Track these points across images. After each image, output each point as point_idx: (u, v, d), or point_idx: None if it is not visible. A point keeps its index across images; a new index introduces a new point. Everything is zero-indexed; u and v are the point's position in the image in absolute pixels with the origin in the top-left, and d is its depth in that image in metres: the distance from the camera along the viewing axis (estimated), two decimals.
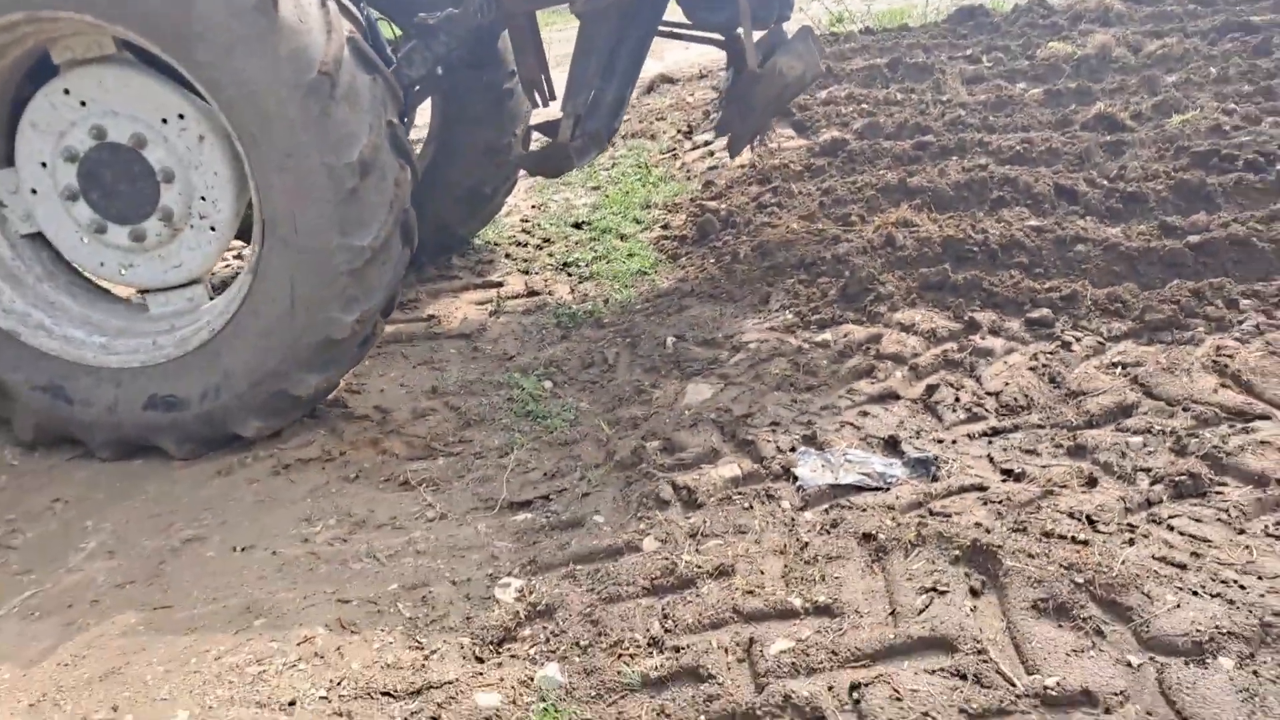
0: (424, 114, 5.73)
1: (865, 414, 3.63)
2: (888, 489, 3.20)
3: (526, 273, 5.50)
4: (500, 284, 5.36)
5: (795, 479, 3.29)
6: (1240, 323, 3.87)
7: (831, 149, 6.25)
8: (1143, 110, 6.39)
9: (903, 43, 8.97)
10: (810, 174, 5.99)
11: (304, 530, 3.38)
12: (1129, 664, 2.39)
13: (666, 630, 2.75)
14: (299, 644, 2.83)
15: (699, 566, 2.95)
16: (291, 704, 2.61)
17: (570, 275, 5.43)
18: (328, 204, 3.47)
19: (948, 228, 4.79)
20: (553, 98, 4.99)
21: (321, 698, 2.64)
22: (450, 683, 2.65)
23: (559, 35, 6.77)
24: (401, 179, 3.69)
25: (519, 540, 3.27)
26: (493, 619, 2.90)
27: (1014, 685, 2.37)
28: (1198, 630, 2.41)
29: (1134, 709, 2.27)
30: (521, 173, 5.82)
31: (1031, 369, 3.76)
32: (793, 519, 3.12)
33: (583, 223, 6.09)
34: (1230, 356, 3.58)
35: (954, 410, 3.59)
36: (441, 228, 5.46)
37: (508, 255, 5.77)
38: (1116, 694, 2.31)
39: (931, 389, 3.72)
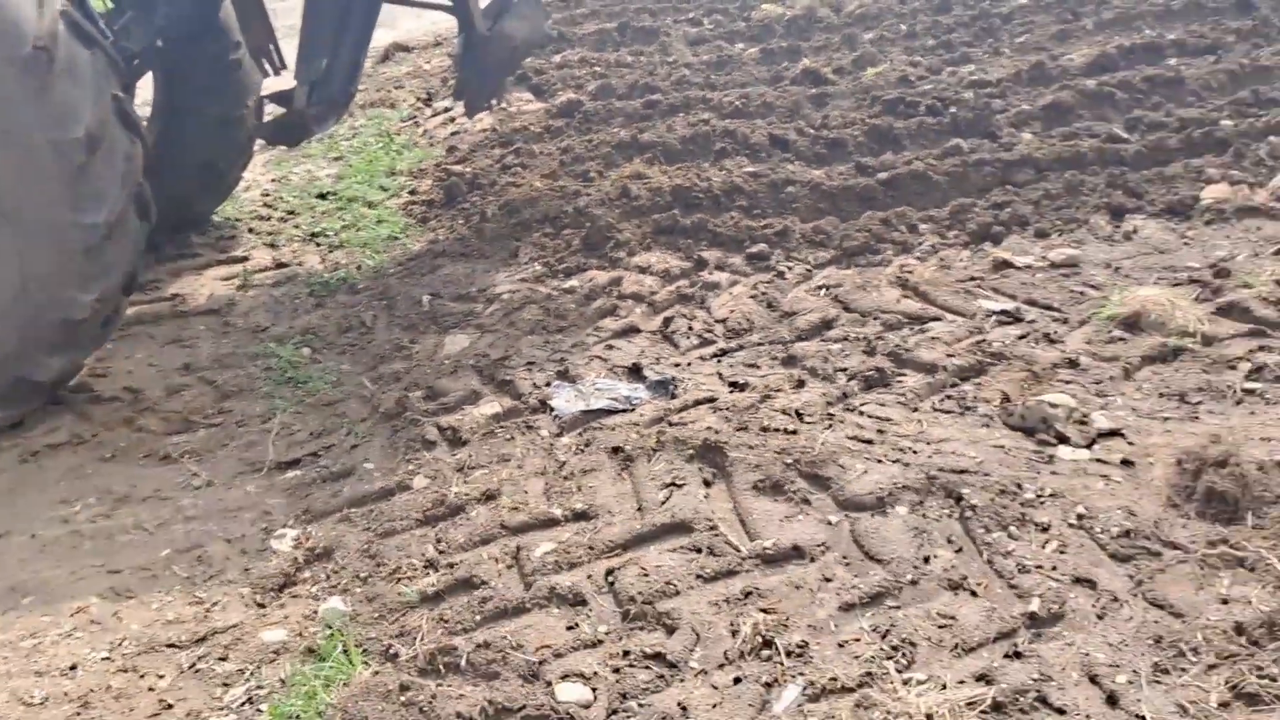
0: (146, 89, 5.59)
1: (611, 348, 4.04)
2: (633, 409, 3.61)
3: (273, 246, 5.53)
4: (245, 258, 5.37)
5: (551, 409, 3.65)
6: (920, 244, 4.58)
7: (568, 110, 6.62)
8: (844, 65, 7.18)
9: (630, 7, 9.47)
10: (550, 135, 6.34)
11: (62, 512, 3.39)
12: (829, 522, 2.92)
13: (441, 552, 3.03)
14: (72, 615, 2.90)
15: (467, 495, 3.24)
16: (72, 668, 2.70)
17: (319, 245, 5.51)
18: (56, 181, 3.45)
19: (676, 178, 5.29)
20: (284, 66, 5.04)
21: (103, 659, 2.74)
22: (234, 626, 2.82)
23: (283, 4, 6.70)
24: (132, 153, 3.70)
25: (291, 495, 3.44)
26: (271, 567, 3.07)
27: (739, 551, 2.84)
28: (880, 488, 2.97)
29: (833, 555, 2.80)
30: (259, 145, 5.81)
31: (752, 297, 4.29)
32: (550, 444, 3.48)
33: (328, 193, 6.15)
34: (910, 272, 4.26)
35: (688, 338, 4.06)
36: (176, 205, 5.36)
37: (251, 230, 5.76)
38: (819, 545, 2.82)
39: (668, 321, 4.17)
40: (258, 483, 3.53)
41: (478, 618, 2.75)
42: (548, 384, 3.80)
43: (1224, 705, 2.21)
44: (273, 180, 6.55)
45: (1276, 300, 3.66)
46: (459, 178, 5.90)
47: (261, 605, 2.94)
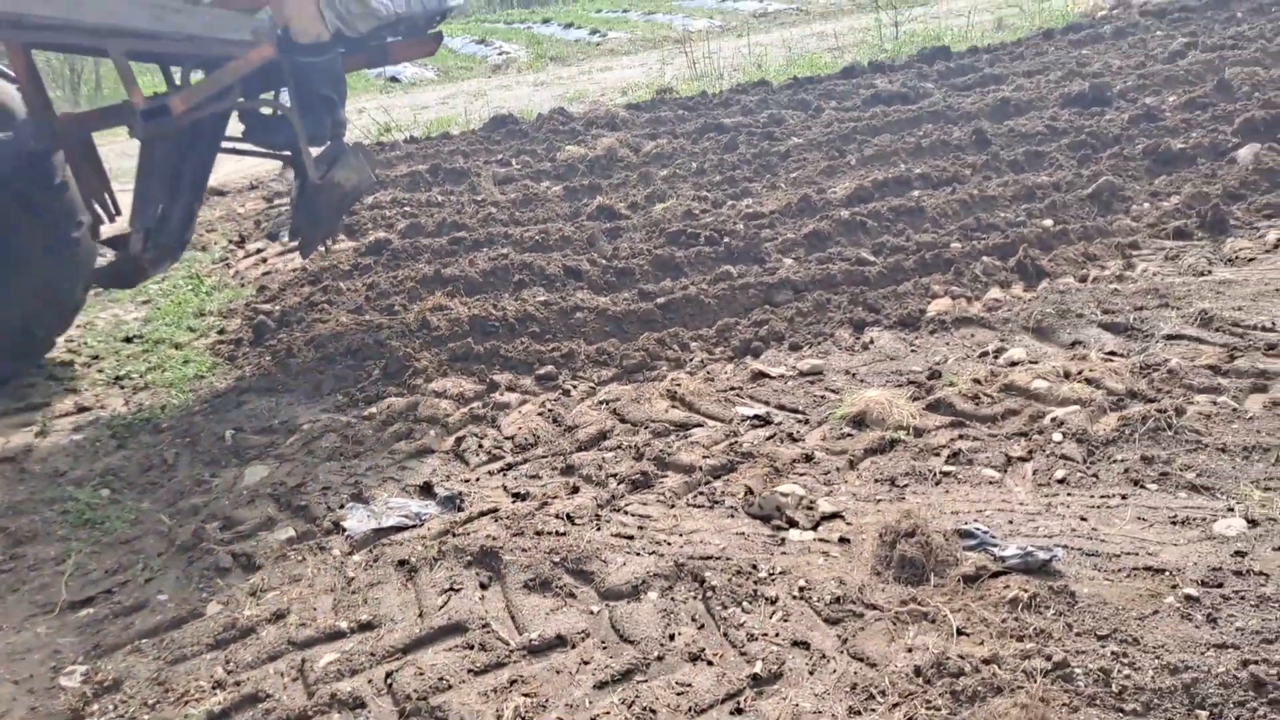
0: None
1: (404, 468, 4.34)
2: (422, 524, 3.90)
3: (74, 391, 5.60)
4: (45, 404, 5.42)
5: (344, 530, 3.90)
6: (690, 360, 5.12)
7: (377, 248, 7.01)
8: (637, 200, 7.87)
9: (444, 149, 10.05)
10: (358, 272, 6.69)
11: None
12: (591, 611, 3.27)
13: (229, 672, 3.21)
14: None
15: (258, 616, 3.44)
16: None
17: (123, 388, 5.61)
18: None
19: (474, 308, 5.71)
20: (119, 212, 5.27)
21: None
22: None
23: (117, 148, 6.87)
24: None
25: (82, 633, 3.54)
26: (59, 705, 3.17)
27: (508, 644, 3.15)
28: (636, 578, 3.35)
29: (593, 641, 3.14)
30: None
31: (540, 414, 4.69)
32: (342, 563, 3.72)
33: (134, 336, 6.27)
34: (679, 385, 4.77)
35: (478, 455, 4.41)
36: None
37: (52, 376, 5.80)
38: (580, 633, 3.17)
39: (460, 440, 4.52)
40: (49, 623, 3.61)
41: None
42: (341, 506, 4.05)
43: None
44: (77, 326, 6.61)
45: (974, 396, 4.32)
46: (267, 316, 6.14)
47: None
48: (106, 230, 5.52)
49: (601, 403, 4.76)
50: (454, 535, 3.77)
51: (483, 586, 3.45)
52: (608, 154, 9.41)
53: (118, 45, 4.60)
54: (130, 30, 4.56)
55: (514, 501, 3.99)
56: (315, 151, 5.53)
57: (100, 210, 5.34)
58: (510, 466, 4.32)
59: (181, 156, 5.33)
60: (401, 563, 3.63)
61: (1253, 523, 3.26)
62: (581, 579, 3.42)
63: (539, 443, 4.48)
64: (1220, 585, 3.00)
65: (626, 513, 3.80)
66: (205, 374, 5.67)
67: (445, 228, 7.42)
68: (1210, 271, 5.50)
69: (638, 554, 3.51)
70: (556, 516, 3.79)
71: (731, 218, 7.26)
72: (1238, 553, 3.13)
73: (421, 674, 3.05)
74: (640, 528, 3.69)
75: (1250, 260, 5.62)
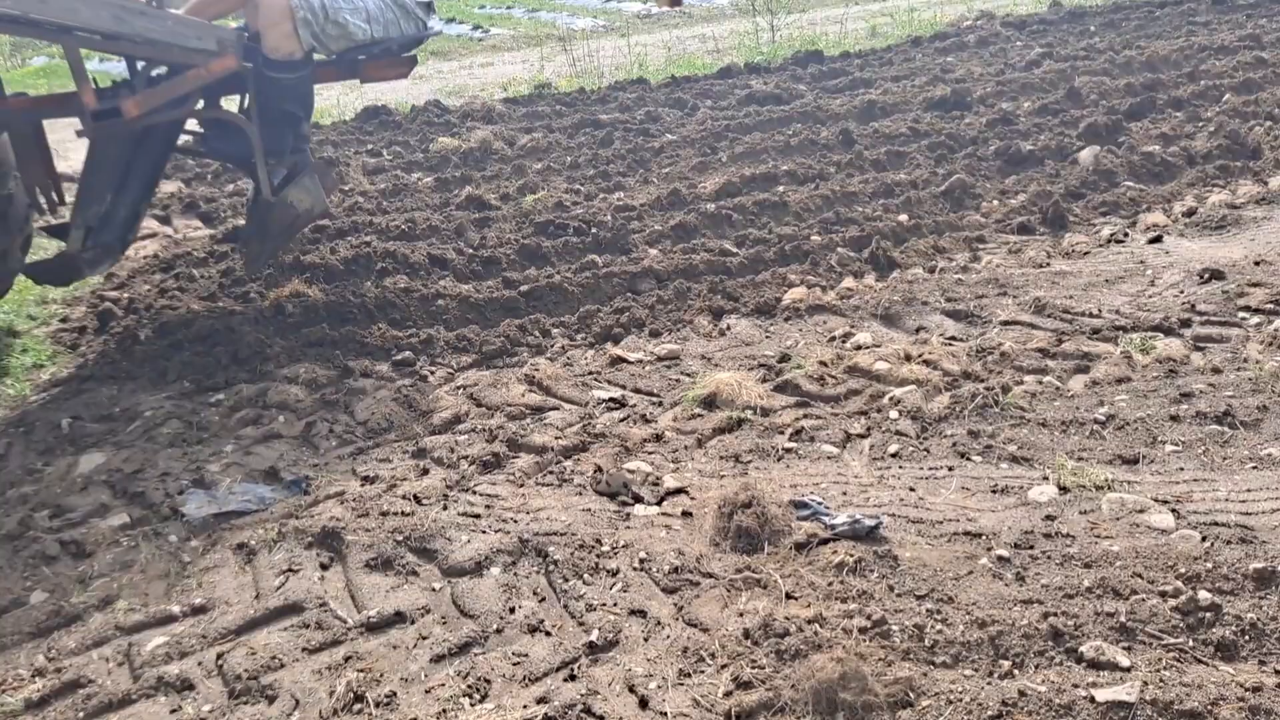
0: None
1: (250, 454, 4.26)
2: (266, 509, 3.84)
3: None
4: None
5: (182, 515, 3.81)
6: (551, 346, 5.17)
7: (234, 236, 6.83)
8: (509, 192, 7.87)
9: (314, 139, 9.84)
10: (214, 259, 6.52)
11: None
12: (433, 588, 3.28)
13: (50, 659, 3.11)
14: None
15: (85, 603, 3.34)
16: None
17: None
18: None
19: (332, 295, 5.63)
20: (61, 203, 5.05)
21: None
22: None
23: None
24: None
25: None
26: None
27: (346, 622, 3.13)
28: (479, 554, 3.38)
29: (433, 616, 3.15)
30: None
31: (395, 399, 4.67)
32: (178, 548, 3.63)
33: None
34: (538, 370, 4.81)
35: (328, 440, 4.36)
36: None
37: None
38: (420, 609, 3.18)
39: (310, 425, 4.45)
40: None
41: (81, 714, 2.86)
42: (181, 492, 3.96)
43: (727, 694, 2.73)
44: None
45: (819, 377, 4.49)
46: (114, 303, 5.93)
47: None
48: (44, 222, 5.33)
49: (459, 388, 4.77)
50: (296, 518, 3.72)
51: (323, 567, 3.42)
52: (481, 146, 9.38)
53: (78, 43, 4.41)
54: (91, 30, 4.38)
55: (362, 484, 3.97)
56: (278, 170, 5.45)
57: (42, 199, 5.14)
58: (361, 451, 4.29)
59: (132, 154, 5.17)
60: (240, 546, 3.57)
61: (1064, 489, 3.49)
62: (424, 557, 3.43)
63: (392, 427, 4.45)
64: (1031, 547, 3.20)
65: (475, 493, 3.82)
66: (45, 363, 5.44)
67: None
68: (1048, 264, 5.83)
69: (483, 532, 3.54)
70: (404, 498, 3.78)
71: (602, 210, 7.33)
72: (1048, 516, 3.34)
73: (254, 654, 3.01)
74: (488, 506, 3.71)
75: (1085, 254, 5.98)
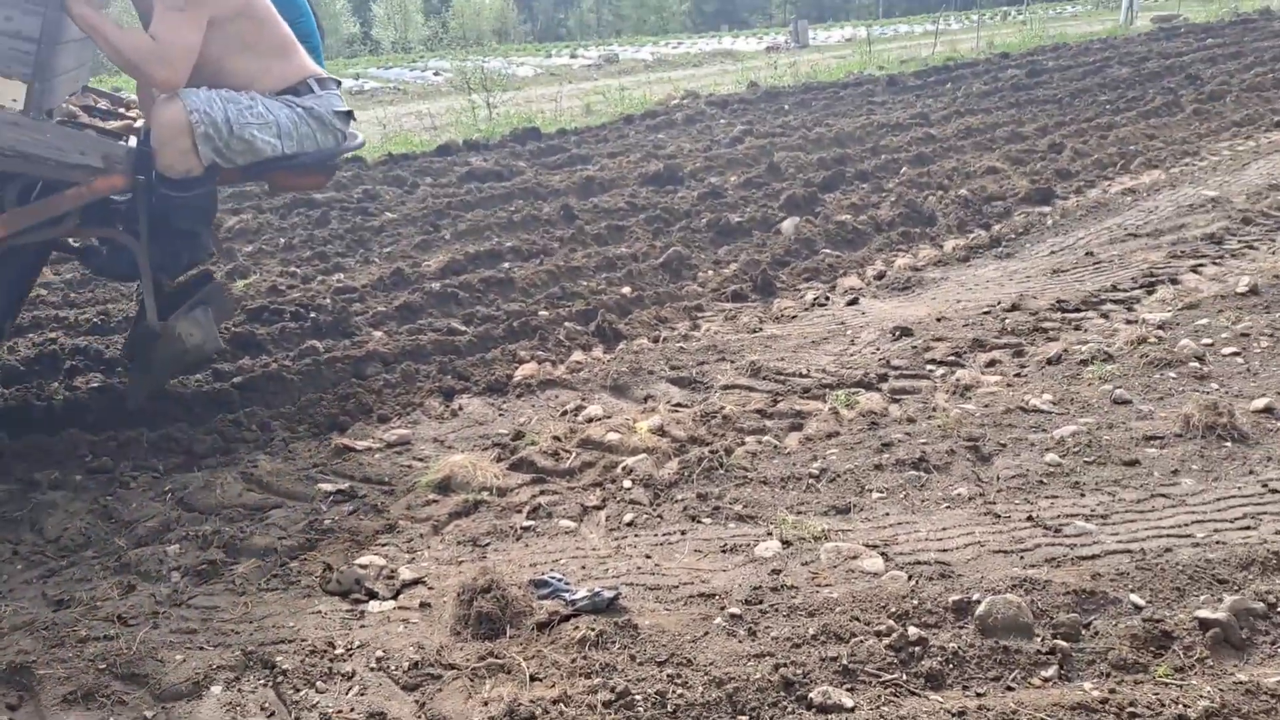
0: None
1: None
2: None
3: None
4: None
5: None
6: (270, 439, 4.95)
7: None
8: (217, 279, 7.50)
9: None
10: None
11: None
12: (145, 717, 3.03)
13: None
14: None
15: None
16: None
17: None
18: None
19: (12, 400, 5.12)
20: None
21: None
22: None
23: None
24: None
25: None
26: None
27: None
28: (197, 673, 3.16)
29: None
30: None
31: (91, 511, 4.29)
32: None
33: None
34: (256, 466, 4.59)
35: (11, 564, 3.93)
36: None
37: None
38: None
39: None
40: None
41: None
42: None
43: None
44: None
45: (554, 452, 4.59)
46: None
47: None
48: None
49: (166, 492, 4.46)
50: None
51: (10, 709, 3.07)
52: None
53: None
54: None
55: (55, 610, 3.60)
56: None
57: None
58: (53, 572, 3.89)
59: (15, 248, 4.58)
60: None
61: (786, 543, 3.76)
62: (133, 683, 3.16)
63: (89, 543, 4.08)
64: (760, 602, 3.41)
65: (190, 606, 3.58)
66: None
67: None
68: (761, 328, 6.29)
69: (201, 648, 3.32)
70: (106, 620, 3.47)
71: (321, 292, 7.17)
72: (774, 571, 3.58)
73: None
74: (205, 620, 3.48)
75: (793, 318, 6.50)
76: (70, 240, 5.26)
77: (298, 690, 3.11)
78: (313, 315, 6.55)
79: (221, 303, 5.51)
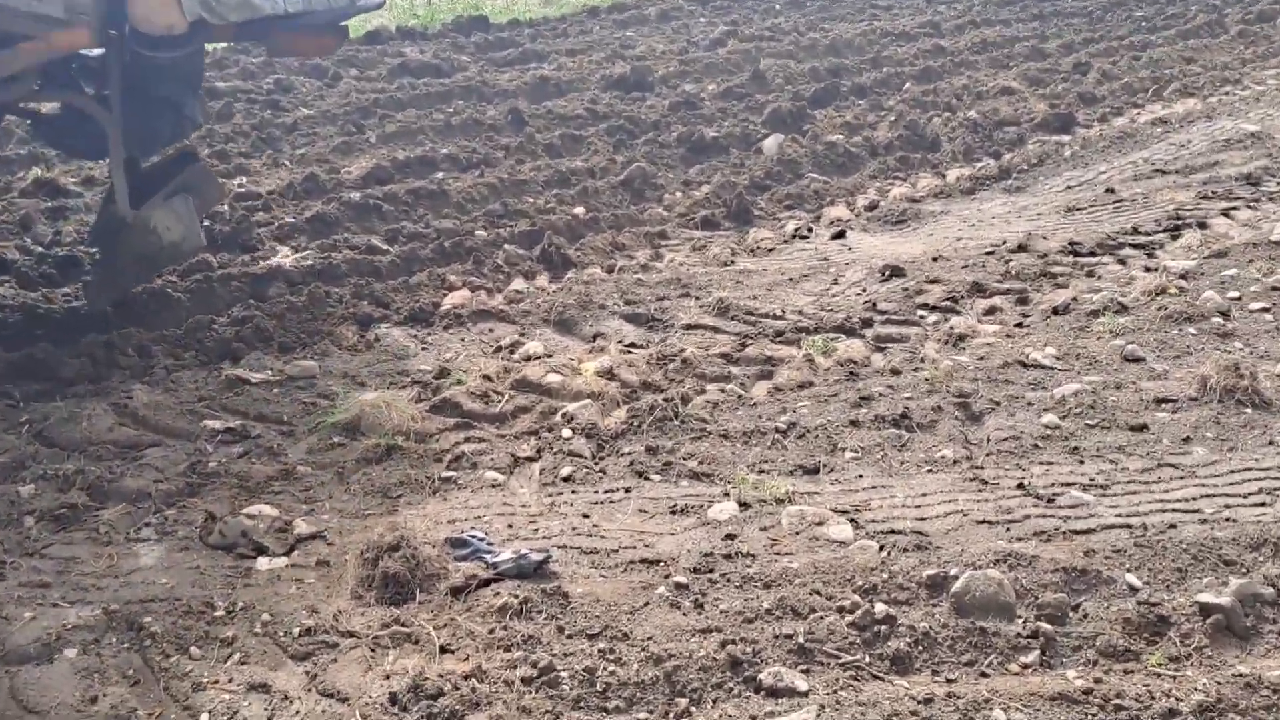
0: None
1: None
2: None
3: None
4: None
5: None
6: (151, 367, 4.87)
7: None
8: (95, 175, 7.32)
9: None
10: None
11: None
12: None
13: None
14: None
15: None
16: None
17: None
18: None
19: None
20: None
21: None
22: None
23: None
24: None
25: None
26: None
27: None
28: (48, 634, 3.13)
29: None
30: None
31: None
32: None
33: None
34: (132, 397, 4.51)
35: None
36: None
37: None
38: None
39: None
40: None
41: None
42: None
43: None
44: None
45: (483, 394, 4.56)
46: None
47: None
48: None
49: (23, 423, 4.38)
50: None
51: None
52: None
53: None
54: None
55: None
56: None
57: None
58: None
59: None
60: None
61: (744, 505, 3.76)
62: None
63: None
64: (710, 570, 3.42)
65: (44, 556, 3.53)
66: None
67: None
68: (733, 261, 6.26)
69: (55, 605, 3.28)
70: None
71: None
72: (728, 536, 3.59)
73: None
74: (61, 573, 3.44)
75: (770, 251, 6.48)
76: (27, 105, 5.11)
77: (167, 656, 3.08)
78: (205, 224, 6.41)
79: (207, 190, 5.30)
